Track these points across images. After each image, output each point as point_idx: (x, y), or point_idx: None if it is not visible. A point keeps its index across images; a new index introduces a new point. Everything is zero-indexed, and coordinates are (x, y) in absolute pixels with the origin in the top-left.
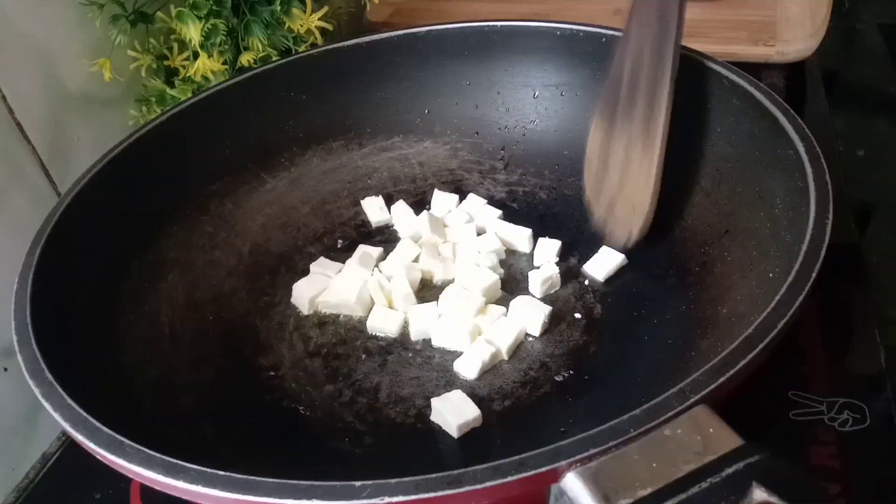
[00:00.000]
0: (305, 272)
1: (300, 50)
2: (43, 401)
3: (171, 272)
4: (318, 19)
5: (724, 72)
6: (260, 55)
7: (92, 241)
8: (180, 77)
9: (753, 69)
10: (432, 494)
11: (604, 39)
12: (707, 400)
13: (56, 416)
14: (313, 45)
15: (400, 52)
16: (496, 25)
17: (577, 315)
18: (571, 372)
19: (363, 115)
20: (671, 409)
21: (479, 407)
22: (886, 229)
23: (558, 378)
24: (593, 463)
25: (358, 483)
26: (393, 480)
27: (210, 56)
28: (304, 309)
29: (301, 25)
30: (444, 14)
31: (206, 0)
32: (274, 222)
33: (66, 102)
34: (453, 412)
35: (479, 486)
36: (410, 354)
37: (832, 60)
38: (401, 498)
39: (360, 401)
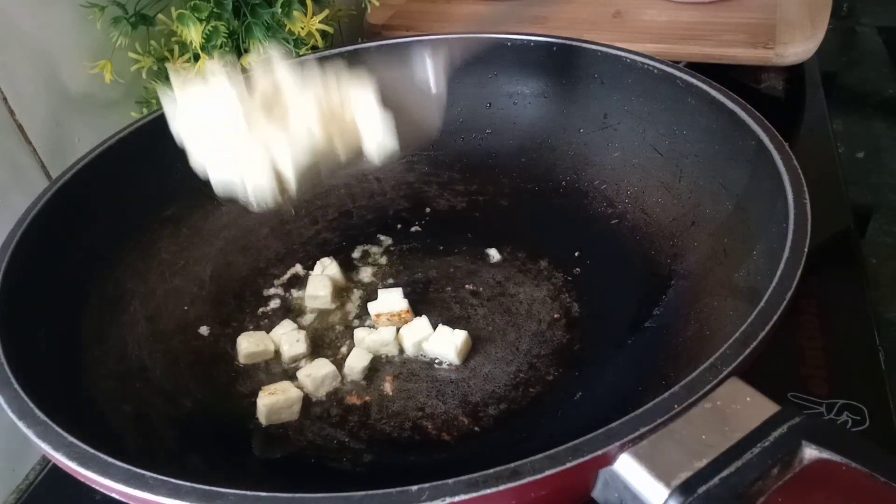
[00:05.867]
0: (271, 295)
1: (301, 52)
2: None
3: (132, 303)
4: (319, 22)
5: (677, 73)
6: (261, 57)
7: (44, 279)
8: None
9: (752, 71)
10: (492, 490)
11: (554, 49)
12: (737, 371)
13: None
14: (314, 48)
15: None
16: (446, 38)
17: (556, 315)
18: (561, 370)
19: None
20: (707, 383)
21: (475, 413)
22: (886, 231)
23: (549, 377)
24: (645, 441)
25: (415, 487)
26: (450, 480)
27: (211, 58)
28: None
29: (302, 28)
30: (445, 16)
31: (206, 2)
32: (233, 246)
33: (67, 104)
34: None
35: (538, 477)
36: (395, 368)
37: (831, 63)
38: (461, 497)
39: (351, 419)
